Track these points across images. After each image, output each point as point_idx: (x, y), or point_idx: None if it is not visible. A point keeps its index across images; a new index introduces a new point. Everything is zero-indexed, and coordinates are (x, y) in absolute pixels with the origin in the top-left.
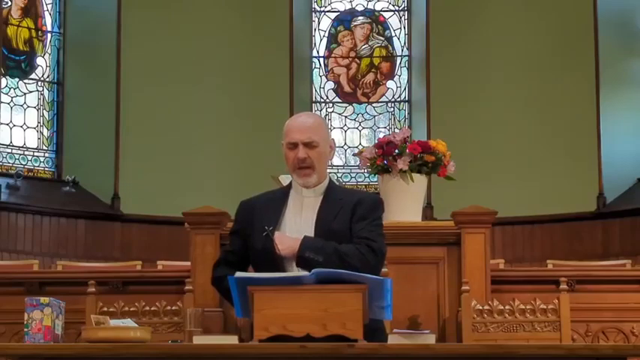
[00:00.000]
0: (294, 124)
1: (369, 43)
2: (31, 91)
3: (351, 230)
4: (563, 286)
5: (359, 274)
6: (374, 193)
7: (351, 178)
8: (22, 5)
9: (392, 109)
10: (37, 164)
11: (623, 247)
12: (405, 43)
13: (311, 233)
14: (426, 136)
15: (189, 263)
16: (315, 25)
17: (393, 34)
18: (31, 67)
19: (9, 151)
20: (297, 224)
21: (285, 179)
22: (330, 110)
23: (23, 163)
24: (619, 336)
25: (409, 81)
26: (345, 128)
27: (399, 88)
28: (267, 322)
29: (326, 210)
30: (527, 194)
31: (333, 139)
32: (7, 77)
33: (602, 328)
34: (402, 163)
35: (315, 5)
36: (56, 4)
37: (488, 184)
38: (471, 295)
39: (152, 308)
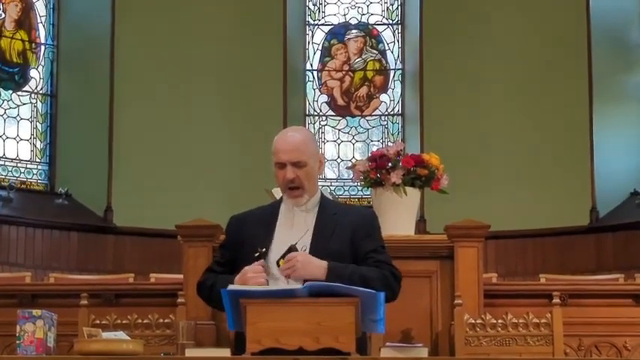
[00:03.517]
0: (282, 143)
1: (363, 57)
2: (24, 103)
3: (358, 250)
4: (556, 300)
5: (352, 287)
6: (367, 207)
7: (344, 191)
8: (16, 17)
9: (385, 122)
10: (29, 176)
11: (615, 261)
12: (398, 56)
13: (306, 250)
14: (420, 150)
15: (181, 276)
16: (308, 38)
17: (387, 48)
18: (25, 79)
19: (2, 163)
20: (288, 240)
21: (278, 192)
22: (323, 123)
23: (16, 175)
24: (612, 350)
25: (402, 94)
26: (339, 141)
27: (392, 102)
28: (260, 334)
29: (321, 228)
30: (520, 208)
31: (322, 154)
32: (1, 89)
33: (595, 342)
34: (395, 177)
35: (308, 18)
36: (50, 17)
37: (482, 197)
38: (463, 308)
39: (144, 321)
